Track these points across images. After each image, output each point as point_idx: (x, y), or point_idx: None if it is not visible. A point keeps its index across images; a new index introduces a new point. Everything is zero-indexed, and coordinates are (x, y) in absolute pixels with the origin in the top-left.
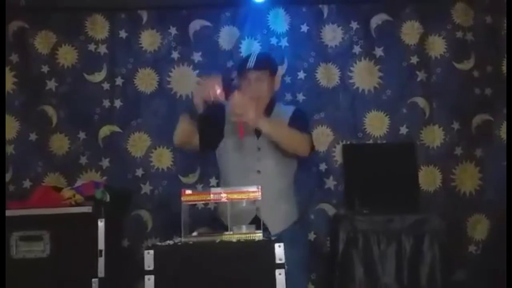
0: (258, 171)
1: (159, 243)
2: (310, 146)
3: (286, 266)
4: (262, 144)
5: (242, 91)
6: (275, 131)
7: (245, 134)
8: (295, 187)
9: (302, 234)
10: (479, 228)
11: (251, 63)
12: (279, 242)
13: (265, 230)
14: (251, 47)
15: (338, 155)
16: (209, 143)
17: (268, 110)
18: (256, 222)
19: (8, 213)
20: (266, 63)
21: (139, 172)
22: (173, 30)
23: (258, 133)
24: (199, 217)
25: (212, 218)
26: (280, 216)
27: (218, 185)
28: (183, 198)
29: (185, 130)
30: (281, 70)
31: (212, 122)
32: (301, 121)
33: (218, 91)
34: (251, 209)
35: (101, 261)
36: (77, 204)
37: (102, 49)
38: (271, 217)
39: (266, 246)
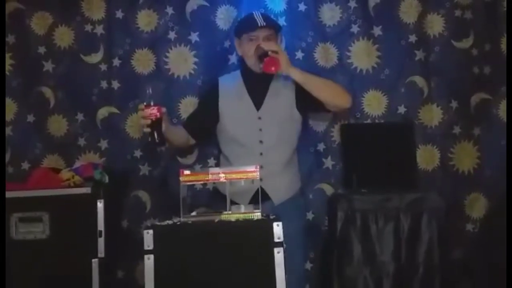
0: (261, 141)
1: (158, 223)
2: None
3: (284, 245)
4: (263, 114)
5: (251, 50)
6: (307, 79)
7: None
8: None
9: (301, 209)
10: (477, 206)
11: (260, 21)
12: (277, 221)
13: (268, 200)
14: None
15: (336, 135)
16: (205, 132)
17: None
18: (258, 194)
19: (8, 194)
20: (274, 20)
21: (138, 153)
22: (169, 10)
23: (258, 101)
24: (198, 197)
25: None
26: (284, 186)
27: (216, 165)
28: (181, 179)
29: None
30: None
31: (205, 107)
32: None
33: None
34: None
35: (101, 241)
36: (76, 185)
37: (99, 29)
38: (275, 187)
39: (265, 225)
